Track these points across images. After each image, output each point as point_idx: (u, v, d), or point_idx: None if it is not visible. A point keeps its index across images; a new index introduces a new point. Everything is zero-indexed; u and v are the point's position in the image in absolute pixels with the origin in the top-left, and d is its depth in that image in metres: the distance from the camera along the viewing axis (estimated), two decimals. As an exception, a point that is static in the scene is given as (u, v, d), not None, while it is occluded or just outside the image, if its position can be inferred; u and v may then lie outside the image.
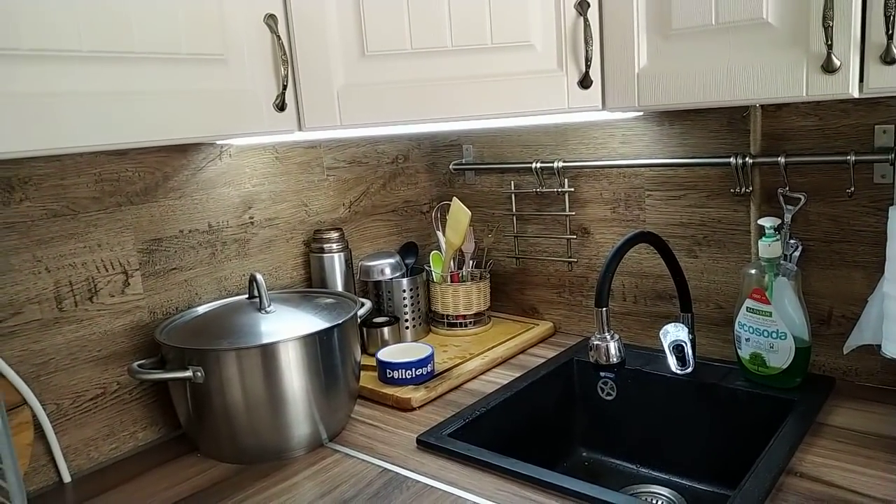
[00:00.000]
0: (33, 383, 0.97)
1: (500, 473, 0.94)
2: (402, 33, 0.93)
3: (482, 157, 1.56)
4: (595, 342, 1.08)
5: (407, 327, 1.45)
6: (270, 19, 0.88)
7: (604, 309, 1.06)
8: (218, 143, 1.20)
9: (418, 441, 1.04)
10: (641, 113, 1.27)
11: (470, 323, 1.49)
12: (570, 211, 1.43)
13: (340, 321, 1.06)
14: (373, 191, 1.51)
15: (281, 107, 0.90)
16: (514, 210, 1.52)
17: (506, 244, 1.57)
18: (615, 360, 1.07)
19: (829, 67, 0.78)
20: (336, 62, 0.93)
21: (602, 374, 1.27)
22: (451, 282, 1.48)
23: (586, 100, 0.96)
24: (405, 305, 1.44)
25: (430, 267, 1.51)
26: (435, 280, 1.49)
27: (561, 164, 1.39)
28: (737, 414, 1.15)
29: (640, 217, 1.34)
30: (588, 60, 0.93)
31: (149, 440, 1.13)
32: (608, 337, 1.07)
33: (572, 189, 1.42)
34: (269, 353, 0.99)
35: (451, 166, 1.60)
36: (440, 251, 1.53)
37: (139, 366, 1.00)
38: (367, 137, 1.48)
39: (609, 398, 1.29)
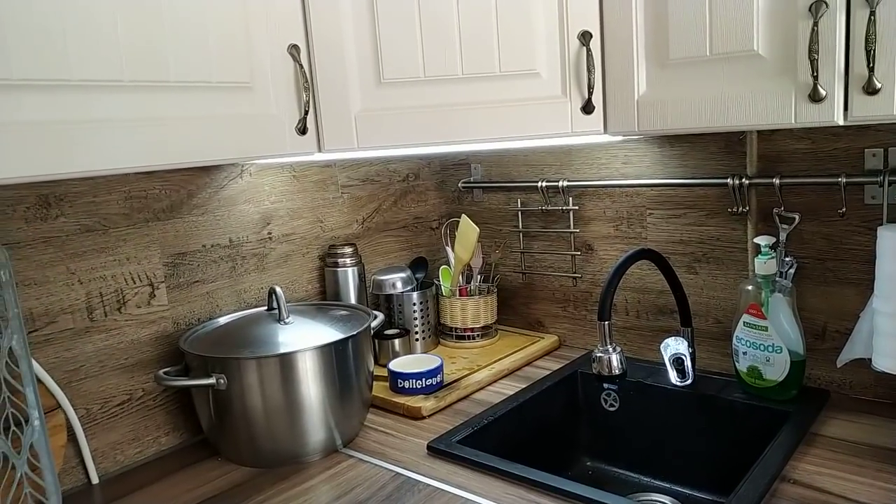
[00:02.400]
0: (65, 389, 1.03)
1: (508, 478, 0.99)
2: (416, 62, 1.00)
3: (490, 176, 1.62)
4: (598, 354, 1.13)
5: (416, 339, 1.50)
6: (293, 49, 0.94)
7: (606, 322, 1.11)
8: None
9: (429, 447, 1.09)
10: (642, 136, 1.33)
11: (477, 336, 1.54)
12: (574, 228, 1.49)
13: (355, 332, 1.12)
14: (384, 208, 1.57)
15: (303, 130, 0.96)
16: (520, 227, 1.58)
17: (512, 260, 1.62)
18: (617, 371, 1.12)
19: (815, 97, 0.84)
20: (354, 89, 1.00)
21: (605, 385, 1.33)
22: (460, 296, 1.53)
23: (589, 124, 1.02)
24: (415, 318, 1.49)
25: (439, 281, 1.57)
26: (444, 294, 1.54)
27: (566, 183, 1.45)
28: (734, 425, 1.19)
29: (642, 234, 1.40)
30: (590, 87, 0.99)
31: (171, 445, 1.18)
32: (610, 349, 1.12)
33: (577, 207, 1.47)
34: (288, 361, 1.05)
35: (459, 184, 1.66)
36: (449, 266, 1.59)
37: (165, 373, 1.06)
38: (380, 157, 1.54)
39: (612, 409, 1.34)
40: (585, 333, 1.53)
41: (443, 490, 0.98)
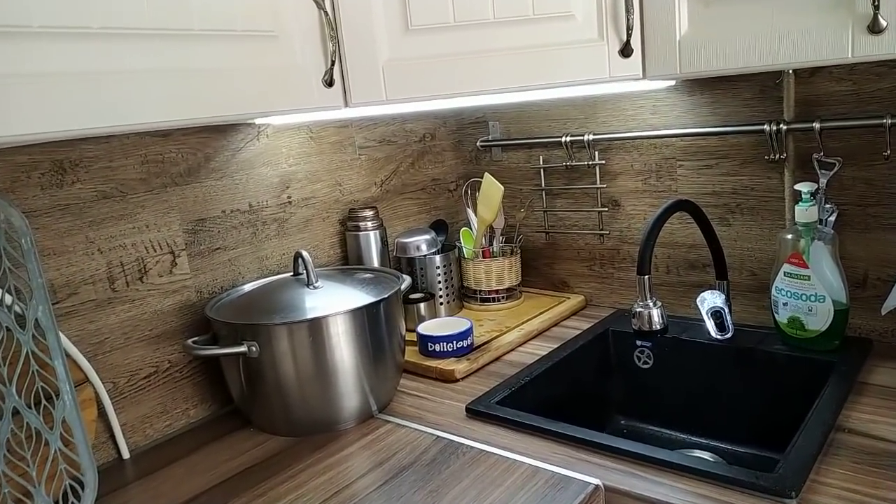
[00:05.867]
0: (91, 362, 0.99)
1: (552, 437, 0.97)
2: (446, 6, 0.94)
3: (509, 133, 1.57)
4: (638, 309, 1.10)
5: (441, 303, 1.47)
6: (318, -5, 0.89)
7: (646, 276, 1.08)
8: (256, 122, 1.21)
9: (467, 409, 1.07)
10: (673, 83, 1.28)
11: (502, 297, 1.51)
12: (600, 184, 1.44)
13: (387, 295, 1.08)
14: (402, 169, 1.52)
15: (329, 82, 0.91)
16: (542, 185, 1.54)
17: (534, 220, 1.58)
18: (658, 326, 1.09)
19: (874, 28, 0.79)
20: (380, 37, 0.94)
21: (638, 342, 1.30)
22: (483, 257, 1.49)
23: (627, 68, 0.97)
24: (439, 282, 1.46)
25: (460, 243, 1.53)
26: (466, 256, 1.51)
27: (591, 136, 1.41)
28: (776, 377, 1.16)
29: (672, 187, 1.36)
30: (629, 29, 0.94)
31: (200, 417, 1.15)
32: (651, 304, 1.09)
33: (603, 161, 1.43)
34: (321, 326, 1.01)
35: (478, 143, 1.61)
36: (470, 228, 1.55)
37: (193, 342, 1.02)
38: (396, 116, 1.49)
39: (646, 366, 1.31)
40: (613, 292, 1.50)
41: (488, 452, 0.95)
